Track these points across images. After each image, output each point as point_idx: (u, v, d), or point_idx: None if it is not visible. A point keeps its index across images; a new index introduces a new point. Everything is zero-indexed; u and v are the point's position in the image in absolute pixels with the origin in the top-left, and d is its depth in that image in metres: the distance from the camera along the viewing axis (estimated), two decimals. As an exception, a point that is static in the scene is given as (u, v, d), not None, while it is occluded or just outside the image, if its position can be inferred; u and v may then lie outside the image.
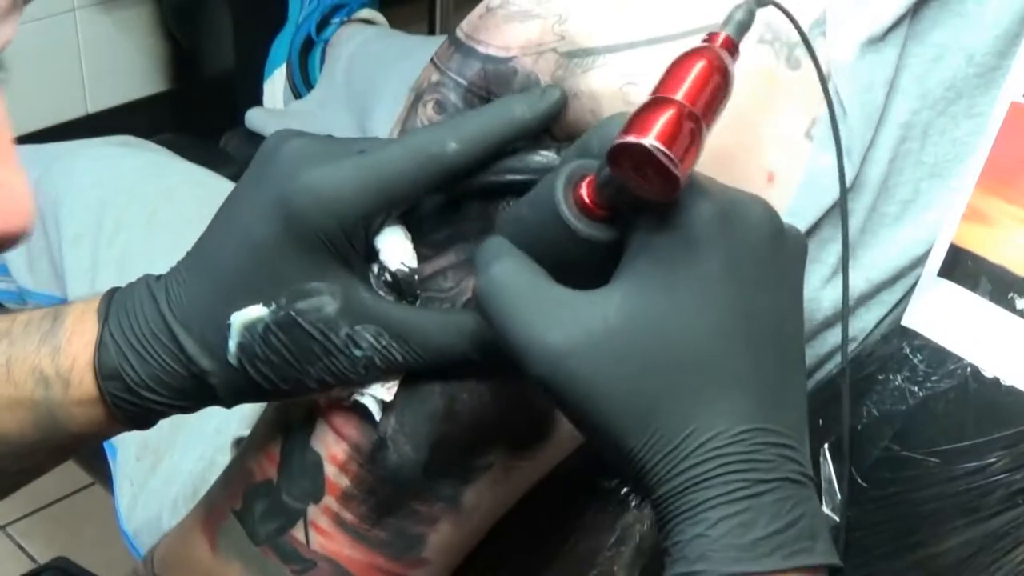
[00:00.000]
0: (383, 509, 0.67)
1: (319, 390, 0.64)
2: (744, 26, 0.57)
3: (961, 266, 0.67)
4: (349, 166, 0.61)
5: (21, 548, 1.78)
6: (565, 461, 0.70)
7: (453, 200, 0.65)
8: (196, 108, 1.96)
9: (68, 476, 1.67)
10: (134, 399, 0.64)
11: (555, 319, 0.55)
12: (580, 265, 0.57)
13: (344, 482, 0.67)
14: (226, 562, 0.73)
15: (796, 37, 0.63)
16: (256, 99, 1.88)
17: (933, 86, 0.67)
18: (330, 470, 0.67)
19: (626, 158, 0.52)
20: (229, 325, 0.62)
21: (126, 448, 1.15)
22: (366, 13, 1.90)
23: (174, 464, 1.10)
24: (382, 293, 0.64)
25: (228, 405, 0.66)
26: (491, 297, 0.56)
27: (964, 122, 0.69)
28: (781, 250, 0.57)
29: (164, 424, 1.10)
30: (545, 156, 0.63)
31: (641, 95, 0.62)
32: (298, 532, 0.69)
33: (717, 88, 0.54)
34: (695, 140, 0.53)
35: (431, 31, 2.12)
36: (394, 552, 0.68)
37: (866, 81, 0.65)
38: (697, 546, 0.53)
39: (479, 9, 0.69)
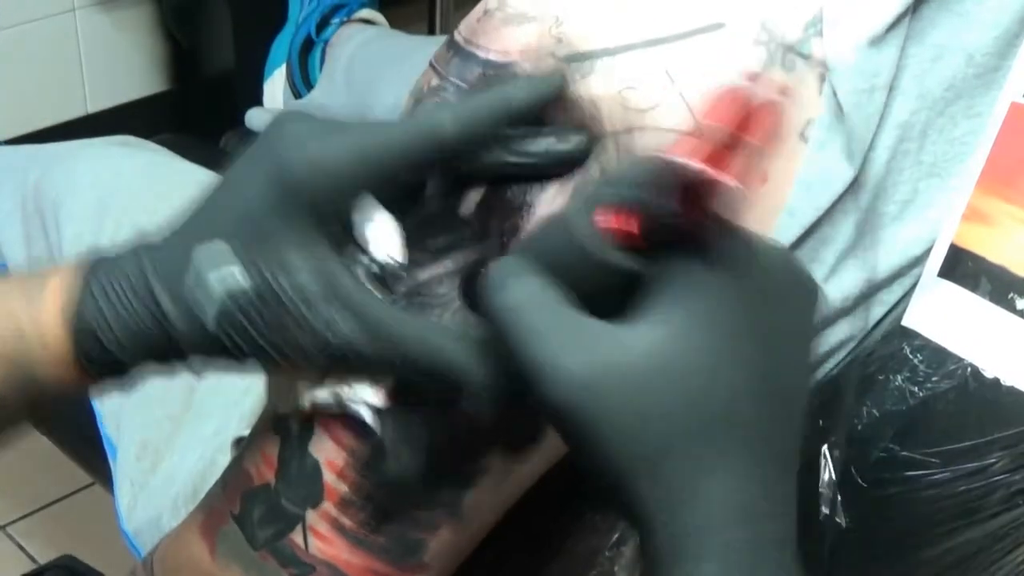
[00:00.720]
0: (382, 515, 0.67)
1: (288, 369, 0.64)
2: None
3: (961, 266, 0.67)
4: (347, 137, 0.61)
5: (21, 548, 1.78)
6: (564, 461, 0.70)
7: (456, 186, 0.65)
8: (196, 108, 1.96)
9: (68, 476, 1.67)
10: (103, 356, 0.63)
11: (577, 345, 0.54)
12: (597, 294, 0.56)
13: (342, 488, 0.67)
14: (225, 566, 0.73)
15: (791, 38, 0.63)
16: (256, 99, 1.88)
17: (932, 86, 0.67)
18: (328, 476, 0.67)
19: (690, 189, 0.51)
20: (210, 289, 0.61)
21: (126, 448, 1.15)
22: (366, 13, 1.90)
23: (174, 464, 1.10)
24: (367, 285, 0.64)
25: (197, 372, 0.65)
26: (510, 313, 0.55)
27: (963, 122, 0.69)
28: (801, 301, 0.57)
29: (165, 424, 1.11)
30: (548, 141, 0.63)
31: (640, 99, 0.62)
32: (297, 536, 0.69)
33: (773, 133, 0.54)
34: (757, 183, 0.53)
35: (431, 31, 2.13)
36: (393, 557, 0.68)
37: (866, 81, 0.65)
38: None
39: (476, 12, 0.69)
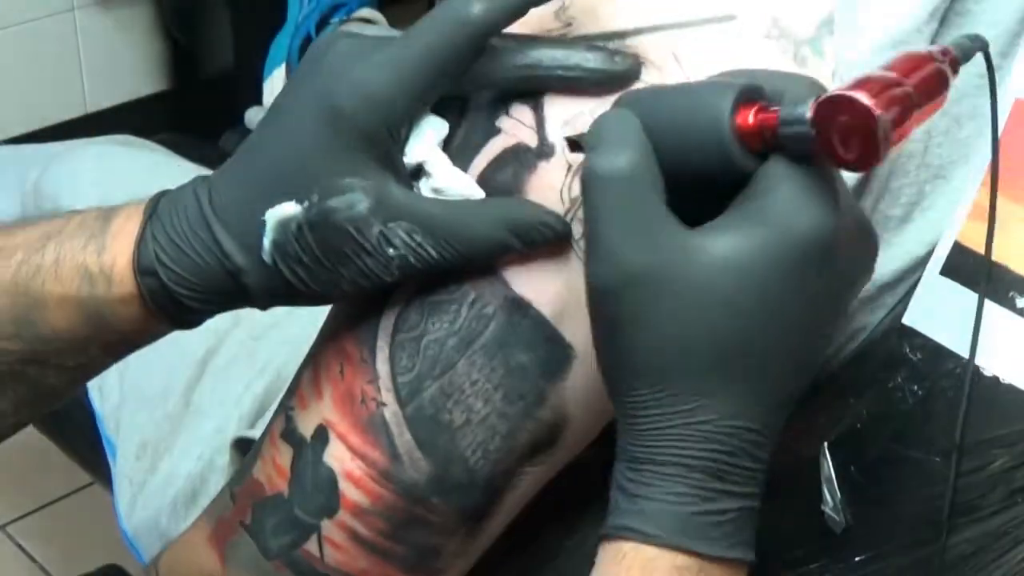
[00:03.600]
0: (399, 522, 0.67)
1: (352, 292, 0.64)
2: (968, 54, 0.59)
3: (963, 265, 0.67)
4: (387, 57, 0.61)
5: (21, 548, 1.78)
6: (567, 464, 0.70)
7: (503, 96, 0.65)
8: (196, 108, 1.96)
9: (68, 476, 1.67)
10: (169, 296, 0.64)
11: (643, 237, 0.55)
12: (703, 181, 0.57)
13: (360, 497, 0.67)
14: None
15: (803, 35, 0.63)
16: (256, 99, 1.88)
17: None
18: (345, 486, 0.67)
19: (843, 113, 0.52)
20: (264, 222, 0.62)
21: (126, 447, 1.14)
22: (365, 13, 1.90)
23: (173, 464, 1.10)
24: (419, 190, 0.63)
25: (262, 306, 0.66)
26: (596, 189, 0.56)
27: (967, 123, 0.68)
28: (863, 262, 0.60)
29: (164, 424, 1.11)
30: (599, 57, 0.62)
31: (648, 80, 0.62)
32: (311, 546, 0.68)
33: (938, 103, 0.56)
34: (907, 135, 0.53)
35: (431, 30, 2.12)
36: (409, 564, 0.68)
37: None
38: (657, 510, 0.56)
39: None
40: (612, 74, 0.62)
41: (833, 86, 0.61)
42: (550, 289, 0.64)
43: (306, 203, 0.62)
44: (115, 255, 0.65)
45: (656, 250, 0.55)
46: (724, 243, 0.55)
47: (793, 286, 0.55)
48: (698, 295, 0.55)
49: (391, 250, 0.62)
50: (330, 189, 0.61)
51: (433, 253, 0.62)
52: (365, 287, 0.63)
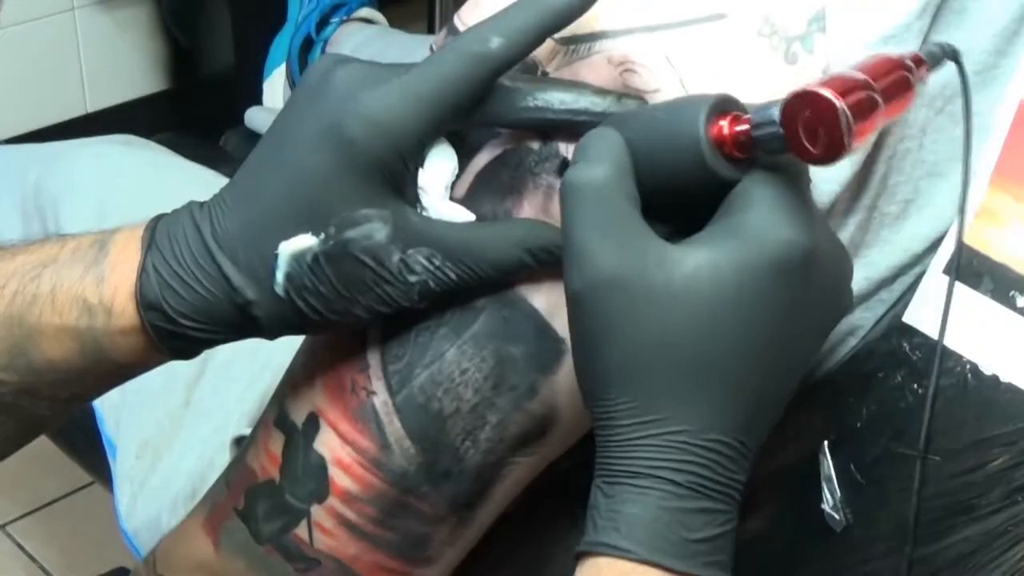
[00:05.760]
0: (388, 510, 0.67)
1: (368, 319, 0.64)
2: (935, 59, 0.61)
3: (965, 264, 0.67)
4: (401, 87, 0.60)
5: (20, 547, 1.78)
6: (566, 458, 0.70)
7: (488, 133, 0.65)
8: (196, 107, 1.96)
9: (68, 475, 1.67)
10: (175, 329, 0.63)
11: (620, 246, 0.56)
12: (690, 198, 0.58)
13: (349, 484, 0.67)
14: (230, 561, 0.73)
15: (794, 31, 0.63)
16: (256, 98, 1.88)
17: (930, 84, 0.67)
18: (335, 472, 0.67)
19: (807, 108, 0.53)
20: (276, 255, 0.62)
21: (126, 447, 1.14)
22: (366, 12, 1.89)
23: (173, 463, 1.10)
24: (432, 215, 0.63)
25: (271, 336, 0.65)
26: (571, 197, 0.57)
27: (963, 121, 0.68)
28: (840, 279, 0.60)
29: (164, 423, 1.11)
30: (604, 101, 0.63)
31: (641, 83, 0.62)
32: (302, 531, 0.69)
33: (903, 103, 0.57)
34: (871, 130, 0.54)
35: (431, 30, 2.12)
36: (399, 551, 0.68)
37: None
38: (631, 524, 0.55)
39: None
40: (596, 115, 0.63)
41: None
42: (543, 283, 0.64)
43: (322, 235, 0.61)
44: (115, 286, 0.64)
45: (628, 256, 0.56)
46: (699, 254, 0.55)
47: (768, 299, 0.55)
48: (671, 303, 0.55)
49: (412, 276, 0.62)
50: (347, 220, 0.61)
51: (453, 276, 0.62)
52: (383, 313, 0.63)
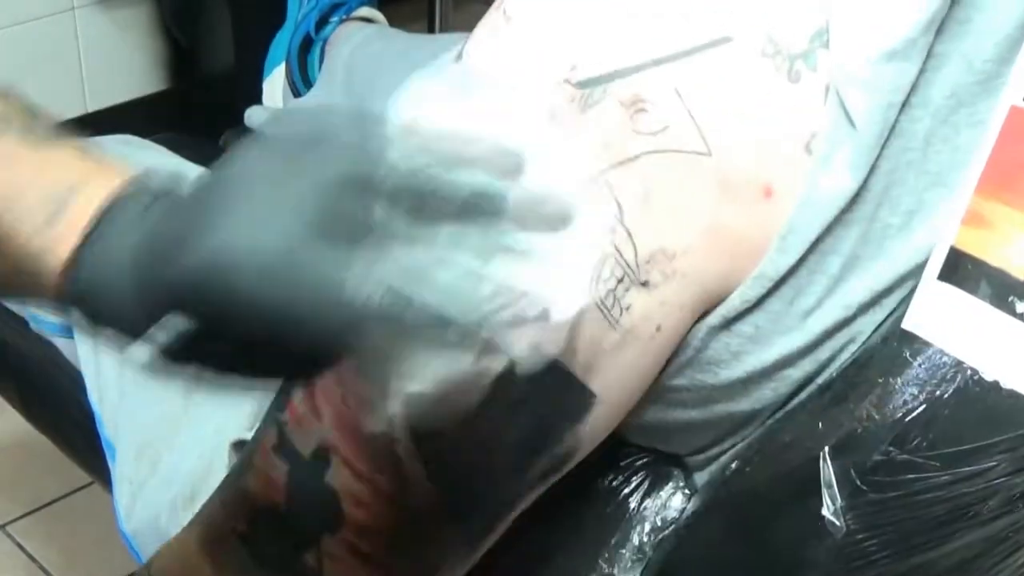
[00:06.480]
0: (402, 542, 0.67)
1: None
2: None
3: (961, 270, 0.67)
4: None
5: (20, 547, 1.78)
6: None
7: None
8: (196, 107, 1.96)
9: (68, 475, 1.67)
10: (97, 322, 0.59)
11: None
12: None
13: (363, 518, 0.66)
14: None
15: (796, 49, 0.63)
16: (256, 98, 1.88)
17: (933, 94, 0.67)
18: (349, 507, 0.67)
19: None
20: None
21: (125, 448, 1.14)
22: (365, 11, 1.89)
23: (173, 464, 1.10)
24: None
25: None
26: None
27: (965, 130, 0.68)
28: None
29: (163, 425, 1.11)
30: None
31: (650, 122, 0.63)
32: (309, 557, 0.68)
33: None
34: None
35: (430, 29, 2.12)
36: (409, 575, 0.68)
37: (883, 97, 0.64)
38: None
39: (485, 28, 0.68)
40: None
41: (830, 99, 0.62)
42: (581, 342, 0.64)
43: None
44: (52, 268, 0.59)
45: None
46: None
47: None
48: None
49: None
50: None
51: None
52: None
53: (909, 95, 0.66)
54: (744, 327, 0.67)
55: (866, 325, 0.70)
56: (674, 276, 0.64)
